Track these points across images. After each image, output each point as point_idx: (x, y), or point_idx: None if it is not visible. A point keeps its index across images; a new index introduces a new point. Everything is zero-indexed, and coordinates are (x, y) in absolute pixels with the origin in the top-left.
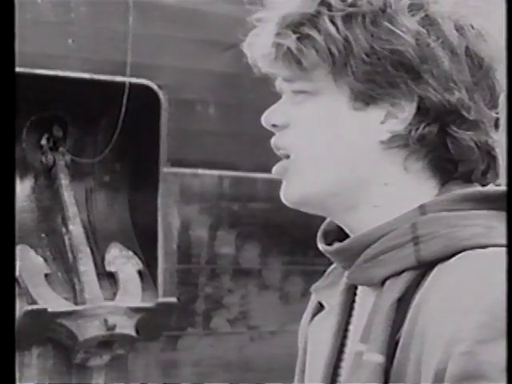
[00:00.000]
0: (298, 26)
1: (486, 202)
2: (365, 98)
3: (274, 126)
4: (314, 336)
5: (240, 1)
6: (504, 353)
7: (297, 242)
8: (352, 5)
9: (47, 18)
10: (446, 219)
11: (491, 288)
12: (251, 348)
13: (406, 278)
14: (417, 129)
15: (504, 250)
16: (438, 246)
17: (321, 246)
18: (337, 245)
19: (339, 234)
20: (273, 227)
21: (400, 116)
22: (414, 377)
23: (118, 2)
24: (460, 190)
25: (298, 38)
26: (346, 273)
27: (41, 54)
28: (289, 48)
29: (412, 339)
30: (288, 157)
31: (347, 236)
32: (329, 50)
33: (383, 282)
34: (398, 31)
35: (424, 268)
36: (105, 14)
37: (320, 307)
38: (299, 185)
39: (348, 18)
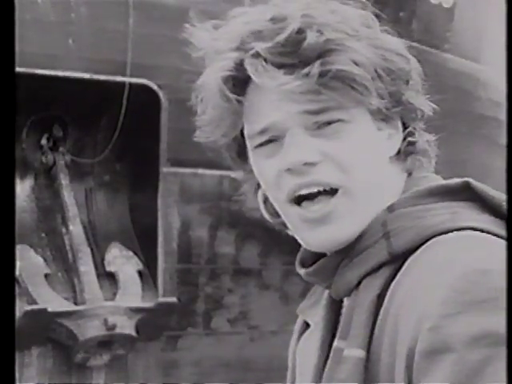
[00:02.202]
0: (323, 56)
1: (450, 194)
2: (382, 117)
3: (306, 164)
4: (302, 352)
5: (240, 1)
6: (469, 325)
7: (297, 242)
8: (356, 30)
9: (47, 17)
10: (413, 213)
11: (454, 265)
12: (251, 348)
13: (384, 274)
14: (410, 138)
15: (469, 233)
16: (408, 236)
17: (300, 271)
18: (316, 264)
19: (315, 259)
20: (273, 227)
21: (398, 130)
22: (388, 360)
23: (118, 2)
24: (424, 186)
25: (330, 70)
26: (327, 290)
27: (41, 53)
28: (321, 80)
29: (385, 327)
30: (329, 192)
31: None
32: (358, 76)
33: (360, 282)
34: (400, 51)
35: (398, 262)
36: (105, 14)
37: (306, 326)
38: (350, 223)
39: (364, 44)
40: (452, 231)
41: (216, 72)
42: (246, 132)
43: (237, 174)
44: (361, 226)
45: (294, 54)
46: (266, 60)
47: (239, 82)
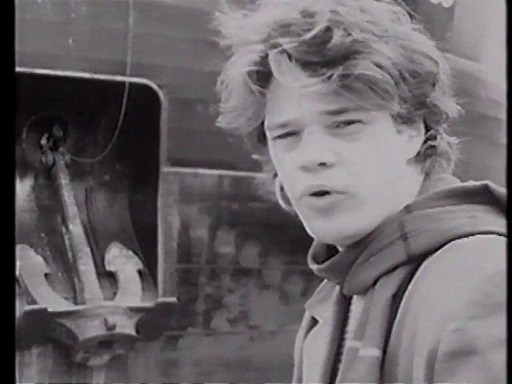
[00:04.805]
0: (346, 59)
1: (468, 197)
2: (404, 120)
3: (321, 164)
4: (310, 348)
5: (240, 0)
6: (495, 328)
7: (297, 242)
8: (385, 30)
9: (47, 17)
10: (431, 215)
11: (479, 268)
12: (251, 348)
13: (400, 275)
14: (431, 142)
15: (490, 236)
16: (426, 238)
17: (313, 266)
18: (330, 260)
19: (328, 254)
20: (273, 227)
21: (420, 132)
22: (406, 361)
23: (118, 1)
24: (442, 188)
25: (353, 73)
26: (338, 287)
27: (41, 53)
28: (343, 81)
29: (403, 327)
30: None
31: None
32: (380, 80)
33: (375, 282)
34: (429, 53)
35: (415, 263)
36: (105, 14)
37: (314, 322)
38: (356, 219)
39: (391, 45)
40: (471, 235)
41: (242, 65)
42: (265, 123)
43: (257, 157)
44: (368, 223)
45: (319, 53)
46: (290, 56)
47: (264, 75)
